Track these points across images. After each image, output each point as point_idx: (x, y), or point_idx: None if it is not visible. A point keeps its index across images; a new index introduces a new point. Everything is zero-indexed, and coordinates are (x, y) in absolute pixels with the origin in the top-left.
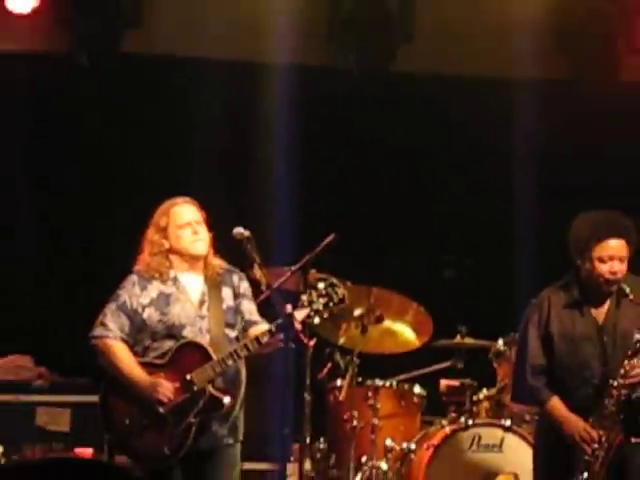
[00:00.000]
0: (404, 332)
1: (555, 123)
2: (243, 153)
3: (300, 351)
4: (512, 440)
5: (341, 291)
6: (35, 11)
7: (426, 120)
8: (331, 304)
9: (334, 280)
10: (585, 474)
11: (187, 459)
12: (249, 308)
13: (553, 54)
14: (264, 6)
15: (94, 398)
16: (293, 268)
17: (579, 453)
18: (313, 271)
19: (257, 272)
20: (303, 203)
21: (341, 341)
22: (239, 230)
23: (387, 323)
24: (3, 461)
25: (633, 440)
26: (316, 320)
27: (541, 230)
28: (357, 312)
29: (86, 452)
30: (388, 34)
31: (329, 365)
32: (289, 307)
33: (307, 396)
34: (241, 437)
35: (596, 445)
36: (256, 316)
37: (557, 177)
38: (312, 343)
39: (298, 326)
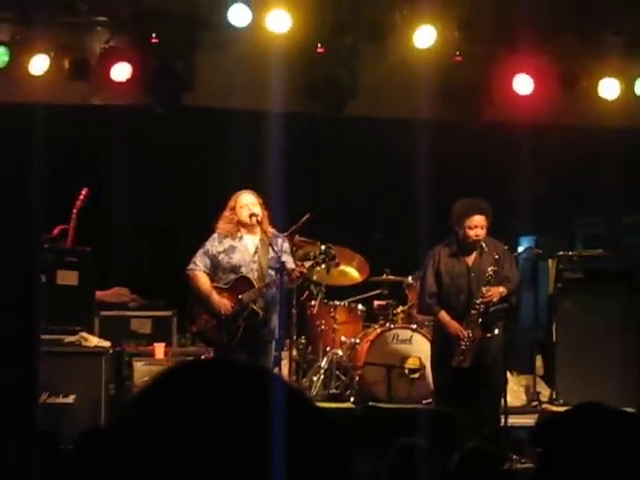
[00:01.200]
0: (352, 272)
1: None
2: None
3: (289, 287)
4: (417, 337)
5: (333, 251)
6: (128, 80)
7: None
8: (327, 259)
9: (330, 244)
10: (461, 357)
11: (242, 347)
12: (287, 259)
13: (439, 100)
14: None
15: (167, 313)
16: (285, 234)
17: (457, 344)
18: (297, 236)
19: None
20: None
21: (314, 278)
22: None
23: (342, 267)
24: (111, 352)
25: (487, 335)
26: (317, 268)
27: (433, 211)
28: (318, 268)
29: (160, 345)
30: (340, 89)
31: (307, 292)
32: (284, 257)
33: (294, 311)
34: (276, 336)
35: (467, 338)
36: (290, 264)
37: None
38: (297, 282)
39: (302, 270)
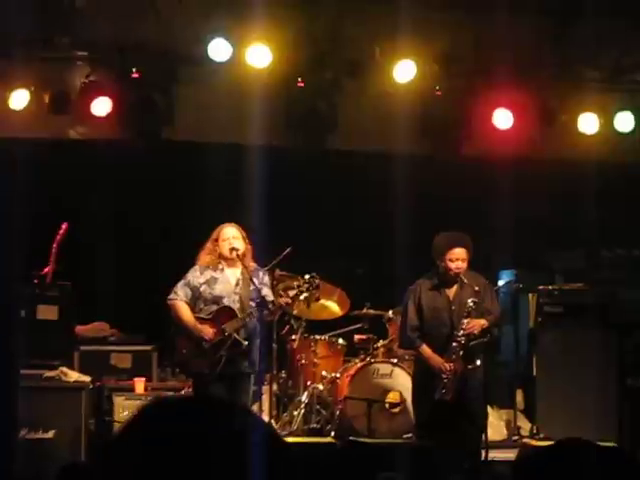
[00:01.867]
0: (332, 306)
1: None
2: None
3: (270, 319)
4: (398, 371)
5: (317, 281)
6: (108, 114)
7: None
8: (311, 288)
9: (314, 274)
10: (443, 390)
11: (222, 379)
12: (266, 292)
13: (419, 133)
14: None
15: (147, 347)
16: (266, 268)
17: (439, 377)
18: (277, 270)
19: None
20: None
21: (295, 312)
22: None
23: (322, 301)
24: (91, 387)
25: (469, 367)
26: (301, 297)
27: (413, 245)
28: (302, 297)
29: (140, 380)
30: (320, 123)
31: (287, 326)
32: (264, 291)
33: (274, 345)
34: (256, 368)
35: (449, 372)
36: (270, 297)
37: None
38: (277, 314)
39: (286, 300)
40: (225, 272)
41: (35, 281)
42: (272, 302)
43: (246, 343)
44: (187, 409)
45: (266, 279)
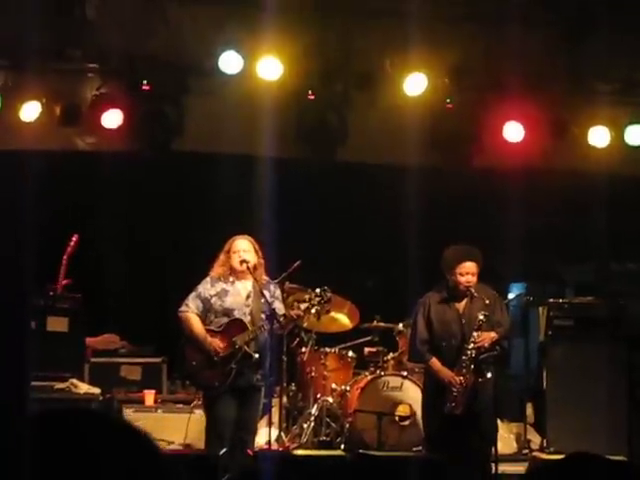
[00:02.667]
0: (342, 319)
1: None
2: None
3: (281, 332)
4: (408, 384)
5: (329, 294)
6: (119, 126)
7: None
8: (322, 301)
9: (325, 287)
10: (453, 403)
11: (233, 391)
12: (278, 305)
13: (430, 146)
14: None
15: (157, 359)
16: (276, 281)
17: (449, 390)
18: (287, 283)
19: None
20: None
21: (305, 325)
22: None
23: (332, 314)
24: (101, 398)
25: (479, 380)
26: (312, 311)
27: (424, 258)
28: (314, 310)
29: (150, 392)
30: (330, 135)
31: (297, 339)
32: (276, 304)
33: (284, 358)
34: (266, 382)
35: (459, 385)
36: (281, 310)
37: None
38: (288, 328)
39: (298, 313)
40: (236, 285)
41: (47, 293)
42: (284, 315)
43: (257, 356)
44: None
45: (278, 292)
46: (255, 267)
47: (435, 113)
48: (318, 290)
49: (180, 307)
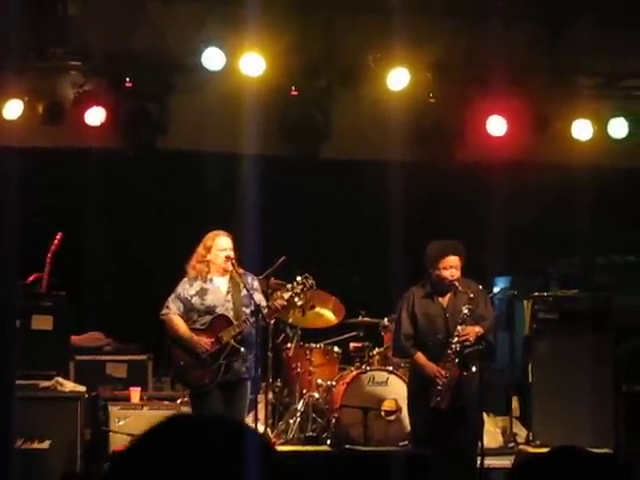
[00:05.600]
0: (327, 314)
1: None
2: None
3: (265, 326)
4: (394, 379)
5: (311, 281)
6: (102, 124)
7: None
8: (305, 288)
9: (306, 274)
10: (438, 397)
11: (220, 387)
12: (258, 297)
13: (413, 141)
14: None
15: (142, 357)
16: (261, 277)
17: (434, 385)
18: (272, 279)
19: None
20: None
21: (290, 320)
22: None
23: (317, 309)
24: (86, 396)
25: (464, 374)
26: (296, 300)
27: (409, 253)
28: (299, 303)
29: (136, 390)
30: (314, 132)
31: (283, 335)
32: (256, 296)
33: (270, 354)
34: (252, 374)
35: (444, 379)
36: (263, 302)
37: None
38: (272, 318)
39: (282, 303)
40: (214, 281)
41: (30, 291)
42: (267, 307)
43: (243, 349)
44: (181, 432)
45: (256, 284)
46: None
47: (418, 108)
48: (299, 278)
49: (161, 310)
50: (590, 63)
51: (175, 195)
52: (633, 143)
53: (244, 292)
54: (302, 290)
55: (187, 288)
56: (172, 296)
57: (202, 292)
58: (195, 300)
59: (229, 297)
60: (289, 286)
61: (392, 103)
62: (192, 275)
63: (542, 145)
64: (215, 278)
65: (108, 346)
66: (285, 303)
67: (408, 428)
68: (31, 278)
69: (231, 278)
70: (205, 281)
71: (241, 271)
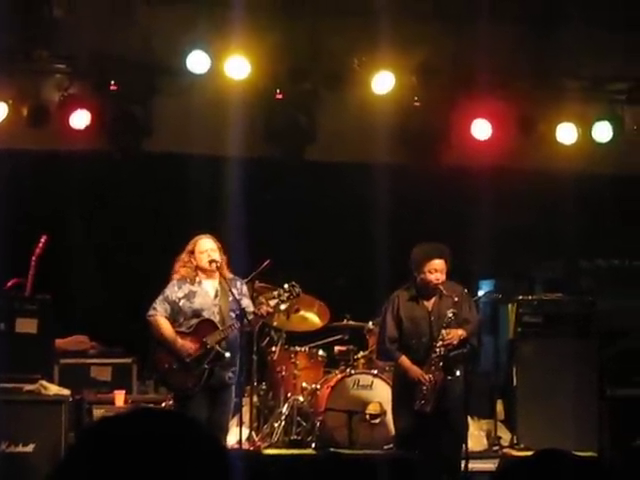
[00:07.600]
0: (312, 318)
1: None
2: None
3: (250, 330)
4: (378, 382)
5: (297, 289)
6: (87, 126)
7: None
8: (292, 297)
9: (293, 282)
10: (422, 401)
11: (204, 391)
12: (246, 302)
13: (398, 144)
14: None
15: (127, 360)
16: (246, 280)
17: (418, 388)
18: (257, 282)
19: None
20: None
21: (275, 324)
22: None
23: (302, 312)
24: (71, 400)
25: (448, 378)
26: (282, 307)
27: (394, 256)
28: (283, 307)
29: (120, 393)
30: (299, 134)
31: (267, 338)
32: (244, 302)
33: (254, 357)
34: (236, 379)
35: (428, 383)
36: (250, 307)
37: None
38: (258, 324)
39: (267, 309)
40: (203, 285)
41: (15, 295)
42: (253, 313)
43: (228, 355)
44: (123, 427)
45: (245, 289)
46: (221, 265)
47: (403, 111)
48: (286, 285)
49: (148, 311)
50: (575, 66)
51: (160, 198)
52: (617, 147)
53: (232, 297)
54: (288, 298)
55: (175, 290)
56: (160, 298)
57: (190, 295)
58: (183, 303)
59: (217, 301)
60: (275, 293)
61: (377, 106)
62: (180, 278)
63: (527, 148)
64: (204, 281)
65: (92, 349)
66: (272, 310)
67: (393, 431)
68: (10, 284)
69: (220, 282)
70: (194, 284)
71: (230, 276)
